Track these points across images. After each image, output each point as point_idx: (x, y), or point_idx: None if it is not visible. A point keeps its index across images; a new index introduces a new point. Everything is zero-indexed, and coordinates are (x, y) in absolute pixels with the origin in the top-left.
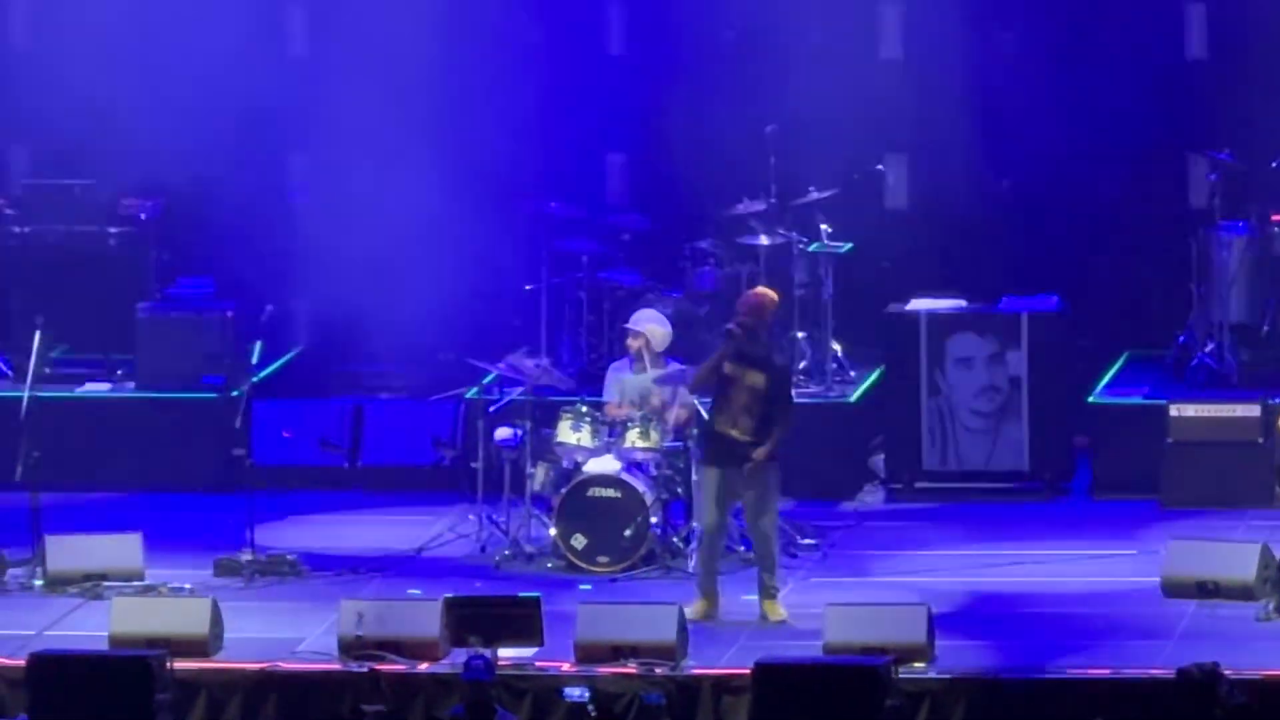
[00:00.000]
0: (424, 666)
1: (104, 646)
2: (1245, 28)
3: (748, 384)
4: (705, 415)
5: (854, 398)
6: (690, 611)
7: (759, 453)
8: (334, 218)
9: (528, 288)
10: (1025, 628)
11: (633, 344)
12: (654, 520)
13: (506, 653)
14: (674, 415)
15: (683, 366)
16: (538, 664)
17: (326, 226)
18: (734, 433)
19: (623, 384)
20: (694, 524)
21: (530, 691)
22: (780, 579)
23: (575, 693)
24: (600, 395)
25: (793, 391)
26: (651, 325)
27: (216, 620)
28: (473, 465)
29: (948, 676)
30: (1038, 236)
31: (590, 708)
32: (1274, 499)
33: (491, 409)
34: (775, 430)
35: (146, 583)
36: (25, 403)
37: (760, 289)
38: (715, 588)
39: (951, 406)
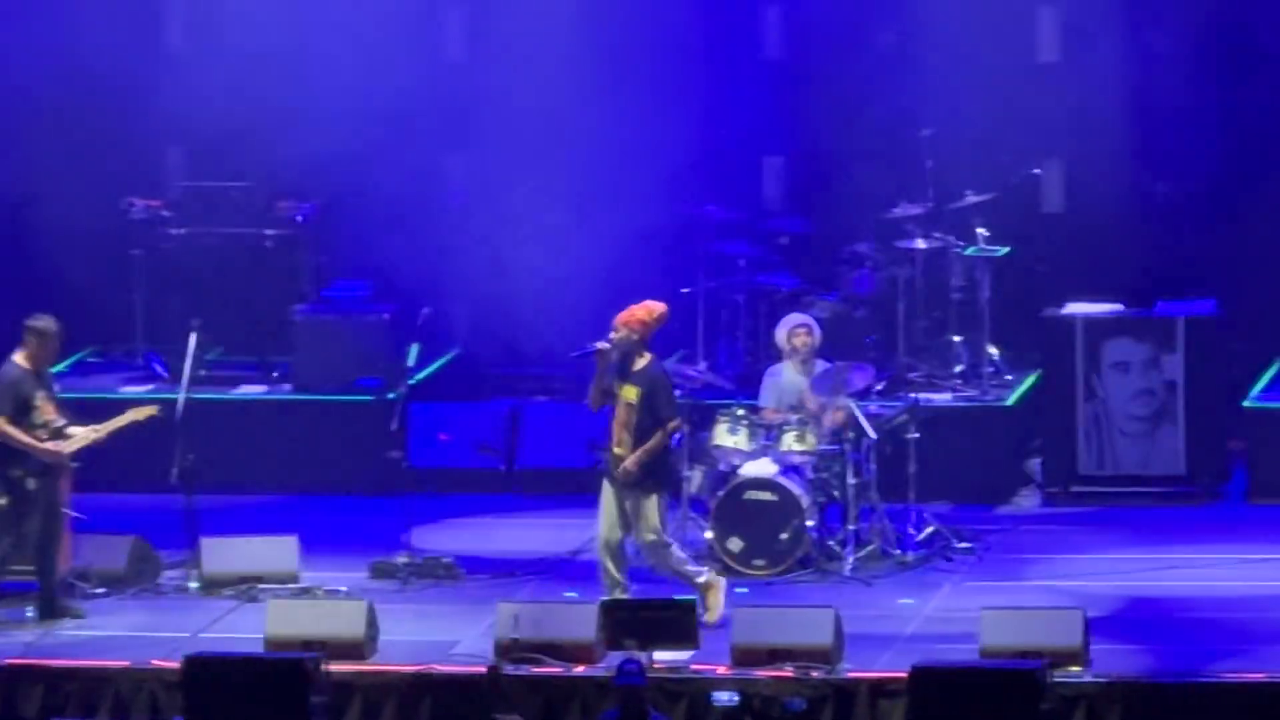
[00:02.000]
0: (579, 669)
1: (259, 649)
2: None
3: (624, 399)
4: (862, 419)
5: (1010, 401)
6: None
7: (627, 463)
8: (491, 220)
9: (684, 291)
10: (1181, 632)
11: (805, 340)
12: (810, 523)
13: (662, 656)
14: (830, 417)
15: (841, 363)
16: (693, 667)
17: (483, 229)
18: (616, 449)
19: (780, 387)
20: (849, 527)
21: (685, 695)
22: (703, 577)
23: (724, 697)
24: (756, 399)
25: (668, 406)
26: (815, 326)
27: (372, 623)
28: None
29: (1103, 680)
30: (1194, 239)
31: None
32: None
33: None
34: (649, 442)
35: (302, 585)
36: (181, 405)
37: (645, 302)
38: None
39: (1108, 410)
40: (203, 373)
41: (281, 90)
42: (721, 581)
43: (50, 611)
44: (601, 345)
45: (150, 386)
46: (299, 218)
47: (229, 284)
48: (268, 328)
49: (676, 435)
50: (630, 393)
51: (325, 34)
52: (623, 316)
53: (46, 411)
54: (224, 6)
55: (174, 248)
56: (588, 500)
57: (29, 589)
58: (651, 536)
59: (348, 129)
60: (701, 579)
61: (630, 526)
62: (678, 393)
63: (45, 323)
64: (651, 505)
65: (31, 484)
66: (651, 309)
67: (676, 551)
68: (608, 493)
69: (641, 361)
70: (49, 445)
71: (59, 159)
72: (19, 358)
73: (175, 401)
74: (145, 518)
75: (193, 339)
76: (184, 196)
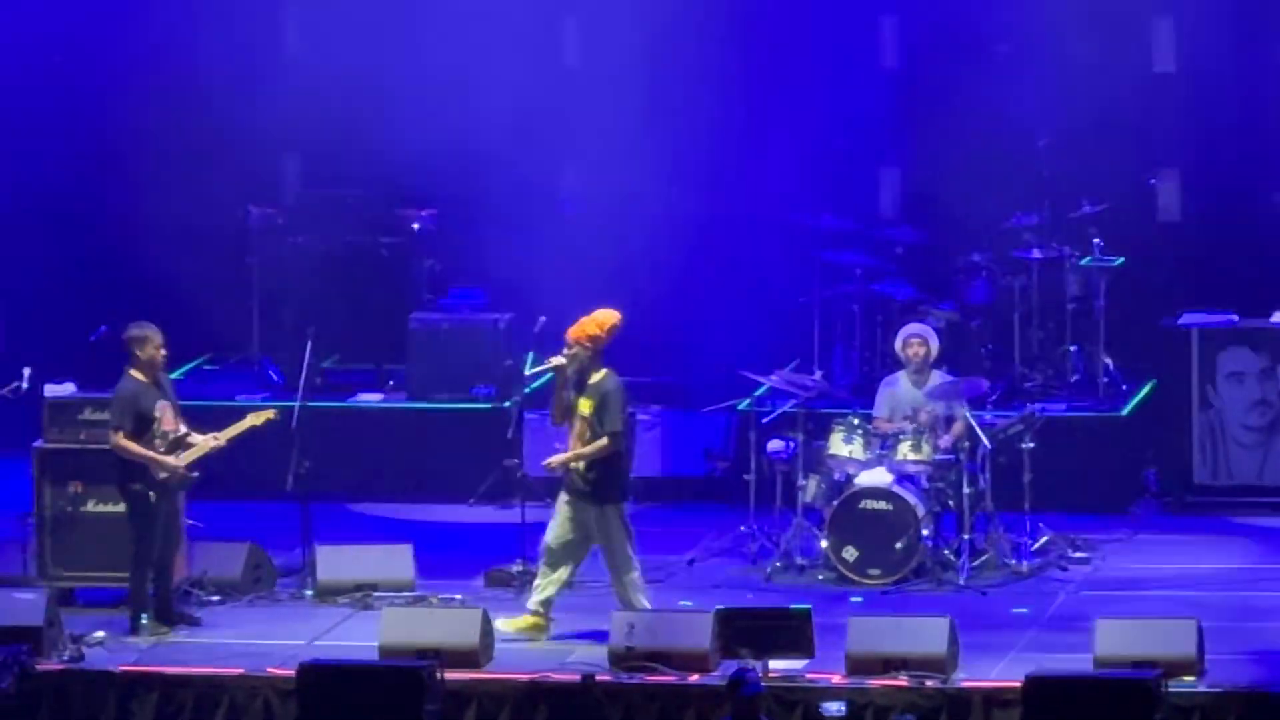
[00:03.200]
0: (694, 678)
1: (374, 657)
2: None
3: (579, 413)
4: (977, 429)
5: (1125, 411)
6: (508, 625)
7: (553, 459)
8: (606, 229)
9: (800, 300)
10: None
11: (919, 351)
12: (925, 533)
13: (777, 664)
14: (946, 437)
15: (955, 379)
16: (808, 676)
17: (599, 237)
18: (574, 462)
19: (895, 398)
20: (964, 536)
21: (800, 703)
22: (647, 597)
23: (833, 707)
24: (871, 408)
25: (613, 419)
26: (932, 337)
27: (487, 631)
28: (745, 477)
29: (1218, 690)
30: None
31: None
32: None
33: (764, 421)
34: (586, 447)
35: (417, 593)
36: (297, 412)
37: (595, 314)
38: (542, 609)
39: (1223, 421)
40: (318, 380)
41: (397, 97)
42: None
43: (167, 618)
44: (556, 361)
45: (266, 394)
46: (415, 225)
47: (345, 291)
48: (384, 335)
49: (792, 445)
50: (585, 406)
51: (441, 41)
52: (573, 331)
53: (166, 421)
54: (340, 13)
55: (290, 255)
56: (702, 508)
57: (124, 597)
58: (612, 549)
59: (464, 136)
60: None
61: (576, 534)
62: (789, 402)
63: (138, 330)
64: (608, 519)
65: (153, 496)
66: (602, 321)
67: (636, 575)
68: (561, 500)
69: (597, 375)
70: (168, 460)
71: (176, 166)
72: (133, 371)
73: (291, 409)
74: (261, 524)
75: (309, 347)
76: (300, 204)
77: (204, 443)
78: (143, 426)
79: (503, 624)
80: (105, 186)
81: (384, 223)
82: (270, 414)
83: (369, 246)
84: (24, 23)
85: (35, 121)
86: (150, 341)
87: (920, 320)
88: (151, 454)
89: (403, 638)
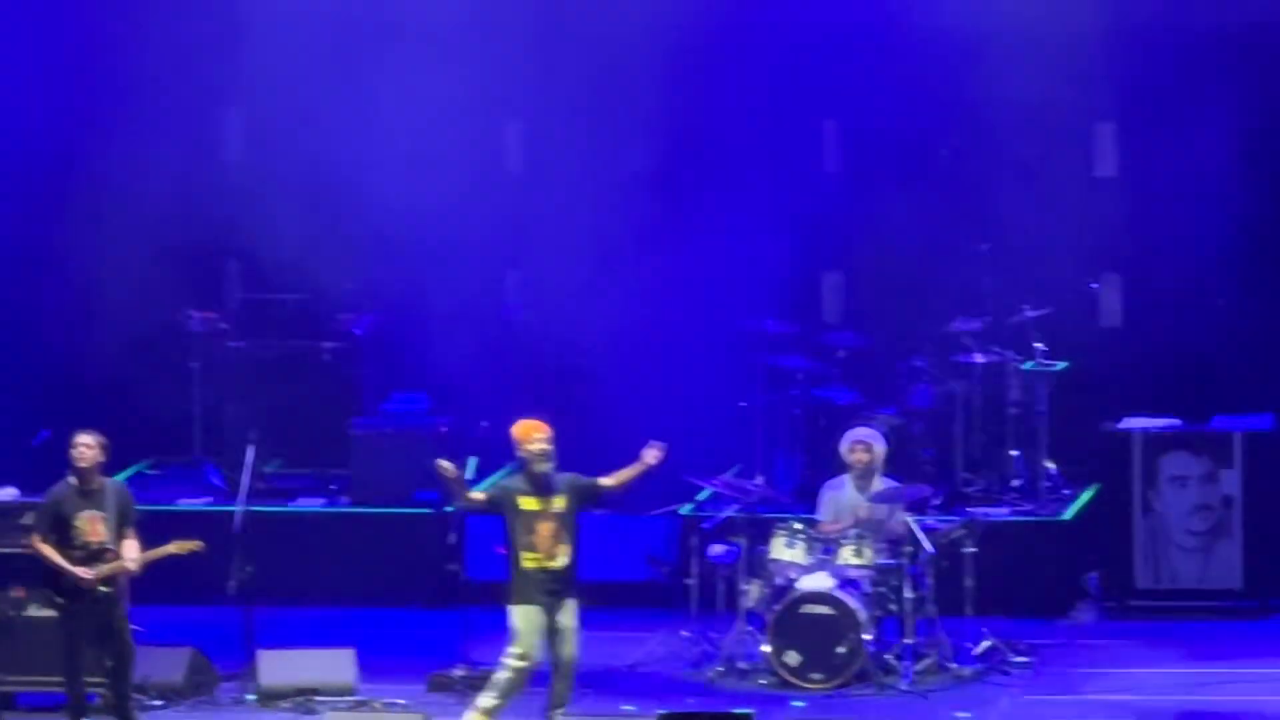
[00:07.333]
0: None
1: None
2: None
3: (552, 509)
4: (919, 534)
5: (1068, 516)
6: None
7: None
8: (549, 333)
9: (743, 405)
10: None
11: (862, 457)
12: (868, 637)
13: None
14: (889, 530)
15: (898, 484)
16: None
17: (542, 342)
18: (564, 560)
19: (839, 502)
20: (906, 641)
21: None
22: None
23: None
24: (814, 512)
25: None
26: (878, 442)
27: None
28: (687, 581)
29: None
30: (1250, 355)
31: None
32: None
33: (706, 525)
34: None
35: (360, 698)
36: (239, 517)
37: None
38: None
39: (1165, 525)
40: (260, 485)
41: (339, 203)
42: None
43: None
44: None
45: (208, 499)
46: (357, 330)
47: (287, 396)
48: (326, 440)
49: (735, 549)
50: (559, 502)
51: (383, 146)
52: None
53: (91, 531)
54: (283, 120)
55: (232, 360)
56: (645, 613)
57: (60, 702)
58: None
59: (405, 241)
60: None
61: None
62: (731, 507)
63: (76, 438)
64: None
65: (60, 601)
66: (520, 428)
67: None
68: (540, 612)
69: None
70: (75, 570)
71: (118, 270)
72: (70, 476)
73: (233, 514)
74: (203, 630)
75: (250, 451)
76: (242, 309)
77: (117, 564)
78: (61, 532)
79: None
80: (47, 291)
81: (325, 327)
82: (195, 545)
83: (310, 351)
84: None
85: None
86: (75, 445)
87: (864, 425)
88: (60, 561)
89: None
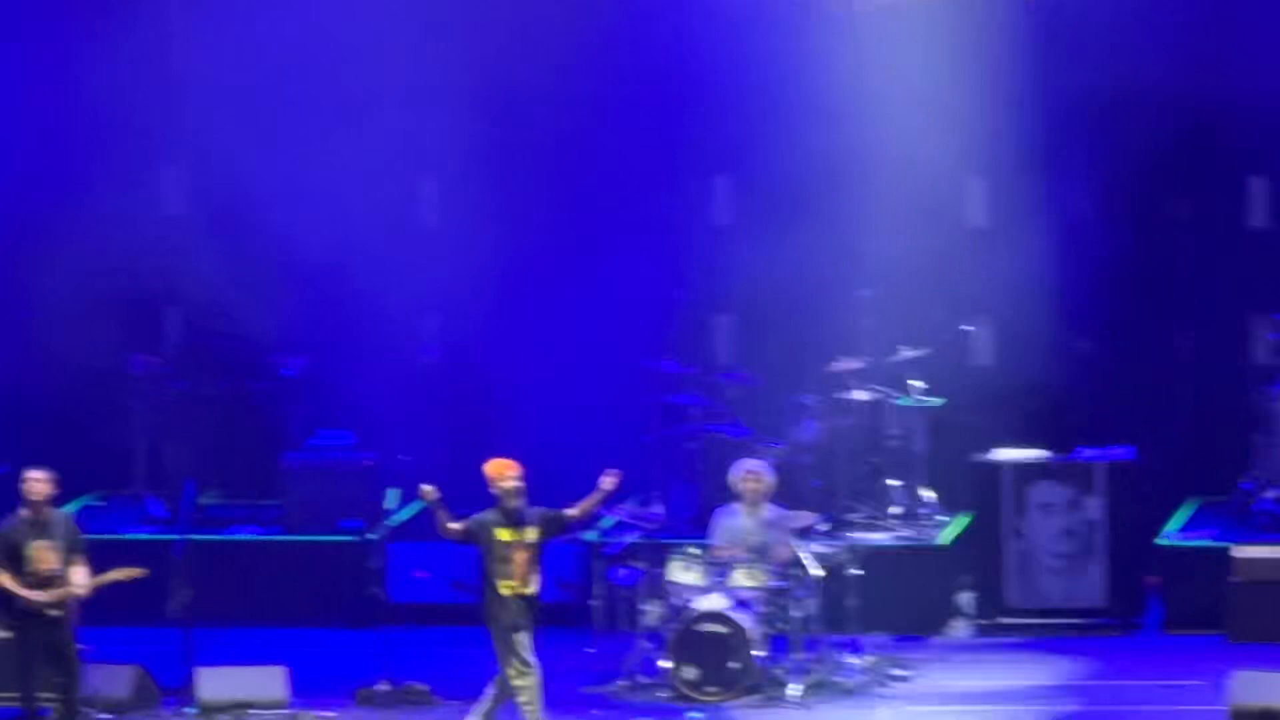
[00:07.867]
0: None
1: None
2: None
3: (525, 540)
4: (806, 557)
5: (943, 540)
6: None
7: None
8: (463, 374)
9: (644, 439)
10: None
11: (755, 487)
12: (759, 654)
13: None
14: (778, 554)
15: (786, 511)
16: None
17: (456, 382)
18: (533, 589)
19: (731, 528)
20: (795, 656)
21: None
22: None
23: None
24: (709, 538)
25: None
26: (767, 472)
27: None
28: (591, 602)
29: None
30: (1112, 391)
31: None
32: None
33: (610, 551)
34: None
35: (291, 710)
36: (179, 544)
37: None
38: None
39: (1033, 548)
40: (199, 515)
41: (271, 253)
42: None
43: None
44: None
45: (150, 529)
46: (287, 371)
47: (223, 432)
48: (258, 474)
49: (635, 573)
50: (531, 534)
51: (311, 201)
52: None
53: (42, 559)
54: (219, 176)
55: (172, 399)
56: (552, 632)
57: (15, 715)
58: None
59: (331, 288)
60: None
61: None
62: (633, 533)
63: (27, 473)
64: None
65: (15, 623)
66: (490, 467)
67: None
68: (516, 636)
69: (520, 502)
70: (25, 593)
71: (67, 317)
72: (22, 508)
73: (174, 542)
74: (146, 649)
75: (190, 484)
76: (181, 352)
77: (66, 590)
78: (14, 561)
79: None
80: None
81: (258, 369)
82: (138, 572)
83: (244, 391)
84: None
85: None
86: (26, 480)
87: (753, 458)
88: (14, 587)
89: None
